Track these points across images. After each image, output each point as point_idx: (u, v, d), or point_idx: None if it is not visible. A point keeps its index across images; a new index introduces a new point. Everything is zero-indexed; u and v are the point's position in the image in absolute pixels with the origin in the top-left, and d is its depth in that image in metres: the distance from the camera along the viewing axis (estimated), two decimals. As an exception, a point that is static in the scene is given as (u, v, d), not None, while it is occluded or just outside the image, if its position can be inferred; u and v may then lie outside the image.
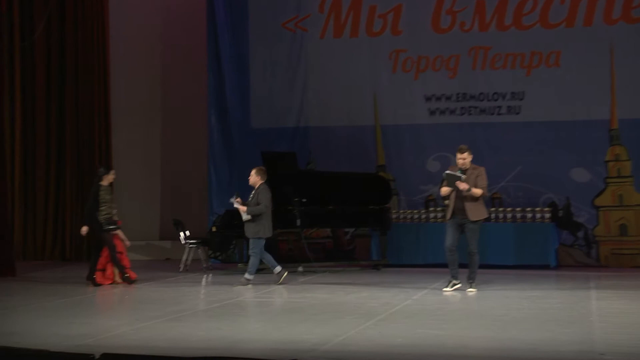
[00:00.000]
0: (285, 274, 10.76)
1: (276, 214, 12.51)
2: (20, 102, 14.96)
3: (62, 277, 12.15)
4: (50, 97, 15.09)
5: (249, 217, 10.60)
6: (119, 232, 10.85)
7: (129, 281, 10.49)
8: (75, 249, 14.92)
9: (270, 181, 12.77)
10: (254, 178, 10.78)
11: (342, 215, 12.74)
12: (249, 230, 10.66)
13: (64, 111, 15.05)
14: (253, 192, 10.79)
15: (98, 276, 10.66)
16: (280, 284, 10.68)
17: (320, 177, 13.10)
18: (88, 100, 15.00)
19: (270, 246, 12.92)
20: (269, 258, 10.79)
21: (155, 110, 15.97)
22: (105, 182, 10.62)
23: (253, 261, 10.64)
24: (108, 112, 15.15)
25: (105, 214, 10.53)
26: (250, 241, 10.66)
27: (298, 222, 12.22)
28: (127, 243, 10.96)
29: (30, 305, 9.01)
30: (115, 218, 10.73)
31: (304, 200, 12.41)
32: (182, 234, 13.02)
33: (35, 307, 8.88)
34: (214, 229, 12.78)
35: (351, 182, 12.98)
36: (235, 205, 10.75)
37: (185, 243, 12.93)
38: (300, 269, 12.22)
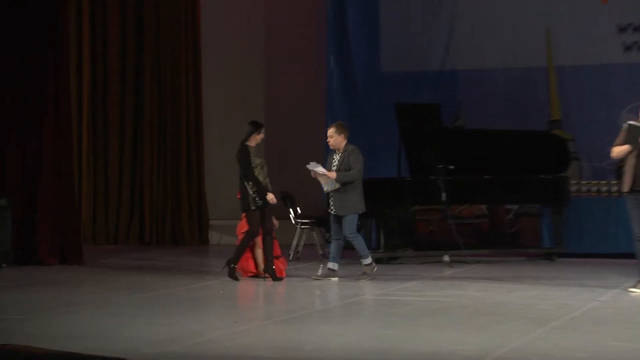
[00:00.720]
0: (335, 279, 10.63)
1: (414, 185, 12.39)
2: (89, 58, 15.33)
3: (138, 265, 12.49)
4: (125, 50, 15.44)
5: (337, 185, 10.55)
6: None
7: (233, 276, 10.64)
8: (157, 231, 15.34)
9: (408, 141, 12.70)
10: (337, 138, 10.65)
11: (503, 187, 12.60)
12: (338, 206, 10.61)
13: (141, 67, 15.42)
14: (338, 155, 10.69)
15: (277, 265, 10.83)
16: (319, 278, 10.69)
17: (472, 136, 12.97)
18: (172, 50, 15.33)
19: (407, 227, 12.80)
20: (337, 248, 10.69)
21: (257, 55, 16.12)
22: (252, 142, 10.76)
23: (358, 245, 10.65)
24: (198, 62, 15.41)
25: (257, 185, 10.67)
26: (344, 221, 10.60)
27: (443, 196, 12.12)
28: (276, 223, 11.11)
29: (101, 301, 9.27)
30: (269, 188, 10.84)
31: (452, 167, 12.27)
32: (292, 211, 13.09)
33: (106, 304, 9.12)
34: (332, 205, 12.82)
35: (515, 144, 12.79)
36: (320, 171, 10.61)
37: (296, 223, 13.01)
38: (446, 258, 12.13)
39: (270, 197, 10.58)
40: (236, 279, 10.59)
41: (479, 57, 14.18)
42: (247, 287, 10.43)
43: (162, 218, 15.38)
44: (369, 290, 9.98)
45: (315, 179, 10.75)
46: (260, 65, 16.13)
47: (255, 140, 10.71)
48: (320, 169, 10.66)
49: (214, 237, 15.77)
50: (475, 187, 12.57)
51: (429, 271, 11.53)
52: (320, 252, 12.92)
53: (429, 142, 12.50)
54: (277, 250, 10.95)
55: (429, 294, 9.78)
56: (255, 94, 16.09)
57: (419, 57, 14.41)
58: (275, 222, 11.02)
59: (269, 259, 10.67)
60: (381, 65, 14.60)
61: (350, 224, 10.60)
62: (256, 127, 10.74)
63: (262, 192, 10.53)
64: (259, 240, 10.75)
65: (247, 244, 10.67)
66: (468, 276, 11.13)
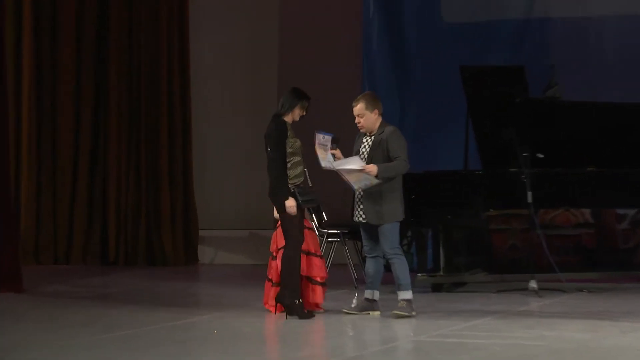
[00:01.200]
0: (375, 314, 10.75)
1: (488, 181, 12.33)
2: (30, 40, 15.56)
3: (100, 293, 12.70)
4: (81, 24, 15.70)
5: (375, 182, 10.41)
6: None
7: (305, 315, 10.57)
8: (126, 246, 15.52)
9: (479, 119, 12.64)
10: (370, 117, 10.53)
11: (614, 184, 12.62)
12: (372, 212, 10.55)
13: (104, 46, 15.72)
14: (370, 139, 10.61)
15: (316, 293, 10.89)
16: (353, 312, 10.80)
17: (571, 112, 12.96)
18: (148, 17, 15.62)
19: (478, 241, 12.77)
20: (376, 270, 10.75)
21: (269, 6, 16.09)
22: (289, 118, 10.81)
23: (400, 267, 10.57)
24: (184, 18, 15.52)
25: (297, 176, 10.68)
26: (382, 233, 10.53)
27: (529, 196, 12.13)
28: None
29: (48, 343, 9.19)
30: (309, 182, 10.85)
31: (541, 155, 12.25)
32: (315, 218, 13.12)
33: (56, 346, 9.04)
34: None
35: (632, 123, 12.82)
36: (351, 167, 10.48)
37: (322, 234, 13.10)
38: (532, 284, 12.09)
39: (290, 204, 10.50)
40: (310, 316, 10.58)
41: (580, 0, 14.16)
42: (251, 324, 10.38)
43: (134, 229, 15.47)
44: (421, 330, 9.93)
45: (332, 170, 10.60)
46: (273, 18, 16.16)
47: (293, 115, 10.77)
48: (354, 165, 10.46)
49: (205, 254, 15.78)
50: (574, 183, 12.56)
51: (508, 302, 11.56)
52: (355, 276, 12.90)
53: (510, 120, 12.46)
54: (323, 271, 10.97)
55: (509, 334, 9.72)
56: (264, 57, 16.13)
57: (495, 1, 14.39)
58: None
59: (285, 284, 10.62)
60: (441, 13, 14.67)
61: (391, 236, 10.53)
62: (302, 98, 10.79)
63: (277, 190, 10.53)
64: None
65: (299, 260, 10.64)
66: (564, 310, 11.17)
